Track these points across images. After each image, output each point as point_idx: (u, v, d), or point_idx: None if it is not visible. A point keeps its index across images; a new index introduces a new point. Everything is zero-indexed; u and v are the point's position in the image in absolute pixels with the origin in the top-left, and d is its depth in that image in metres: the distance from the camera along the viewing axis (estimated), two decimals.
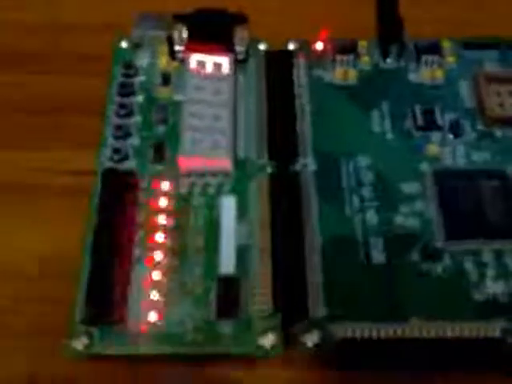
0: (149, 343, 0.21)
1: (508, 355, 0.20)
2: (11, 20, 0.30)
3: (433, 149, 0.25)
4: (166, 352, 0.21)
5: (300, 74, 0.27)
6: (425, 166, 0.25)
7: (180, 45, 0.27)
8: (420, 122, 0.26)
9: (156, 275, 0.22)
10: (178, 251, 0.23)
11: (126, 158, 0.25)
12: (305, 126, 0.26)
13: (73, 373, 0.21)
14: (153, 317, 0.21)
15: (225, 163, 0.24)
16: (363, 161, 0.25)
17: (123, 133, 0.25)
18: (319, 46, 0.28)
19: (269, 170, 0.24)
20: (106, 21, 0.30)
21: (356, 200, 0.24)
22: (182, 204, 0.24)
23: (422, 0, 0.30)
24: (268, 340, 0.21)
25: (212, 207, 0.24)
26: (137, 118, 0.26)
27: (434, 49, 0.28)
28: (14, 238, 0.24)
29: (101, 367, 0.21)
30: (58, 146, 0.26)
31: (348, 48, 0.28)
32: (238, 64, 0.27)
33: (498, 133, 0.26)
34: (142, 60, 0.28)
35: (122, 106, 0.26)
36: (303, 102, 0.26)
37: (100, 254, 0.22)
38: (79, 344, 0.21)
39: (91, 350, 0.21)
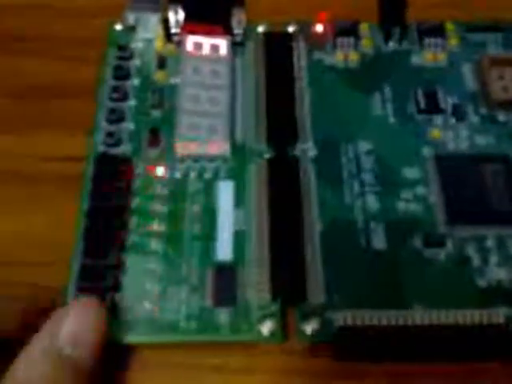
0: (143, 331, 0.20)
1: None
2: (1, 3, 0.30)
3: (435, 133, 0.24)
4: (161, 340, 0.20)
5: (300, 57, 0.26)
6: (427, 151, 0.24)
7: (176, 27, 0.26)
8: (422, 105, 0.25)
9: (151, 263, 0.22)
10: (173, 238, 0.22)
11: (119, 142, 0.24)
12: (304, 111, 0.25)
13: None
14: (147, 305, 0.21)
15: (222, 148, 0.24)
16: (364, 145, 0.24)
17: (117, 117, 0.25)
18: (319, 28, 0.27)
19: (267, 155, 0.24)
20: (99, 3, 0.29)
21: (356, 185, 0.23)
22: (177, 190, 0.23)
23: None
24: (267, 327, 0.20)
25: (209, 192, 0.23)
26: (132, 102, 0.25)
27: (437, 31, 0.27)
28: (5, 223, 0.23)
29: None
30: (50, 130, 0.25)
31: (349, 30, 0.27)
32: (236, 46, 0.27)
33: (502, 116, 0.25)
34: (137, 42, 0.27)
35: (115, 89, 0.25)
36: (303, 85, 0.26)
37: (93, 240, 0.21)
38: None
39: None
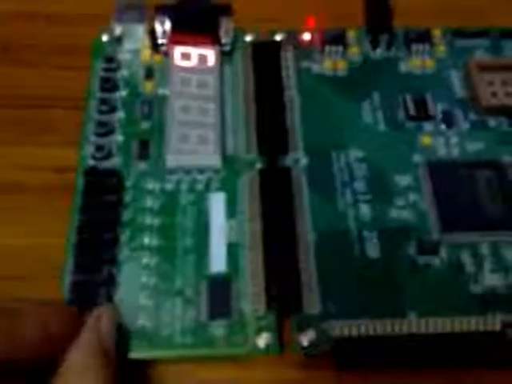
0: (138, 347, 0.20)
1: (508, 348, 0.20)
2: None
3: (426, 139, 0.24)
4: (157, 356, 0.20)
5: (288, 66, 0.26)
6: (418, 157, 0.24)
7: (163, 37, 0.26)
8: (412, 112, 0.25)
9: (144, 276, 0.21)
10: (166, 251, 0.22)
11: (109, 155, 0.24)
12: (294, 120, 0.25)
13: None
14: (142, 320, 0.20)
15: (213, 159, 0.23)
16: (355, 153, 0.24)
17: (106, 129, 0.24)
18: (307, 36, 0.27)
19: (258, 165, 0.23)
20: (84, 11, 0.29)
21: (349, 194, 0.23)
22: (169, 202, 0.23)
23: None
24: (263, 340, 0.20)
25: (200, 204, 0.23)
26: (120, 114, 0.25)
27: (425, 38, 0.27)
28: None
29: None
30: (40, 141, 0.25)
31: (336, 38, 0.27)
32: (224, 56, 0.26)
33: (492, 122, 0.25)
34: (124, 54, 0.27)
35: (104, 101, 0.25)
36: (292, 94, 0.26)
37: (84, 255, 0.21)
38: None
39: None
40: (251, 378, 0.20)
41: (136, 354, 0.20)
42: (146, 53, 0.27)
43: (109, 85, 0.25)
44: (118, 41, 0.27)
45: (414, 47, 0.27)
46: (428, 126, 0.25)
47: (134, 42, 0.27)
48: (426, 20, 0.28)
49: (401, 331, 0.20)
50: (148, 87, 0.26)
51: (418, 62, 0.27)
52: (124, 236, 0.22)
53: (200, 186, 0.23)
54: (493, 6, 0.29)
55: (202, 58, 0.26)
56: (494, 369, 0.20)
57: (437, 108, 0.25)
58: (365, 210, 0.23)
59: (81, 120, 0.25)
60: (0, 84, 0.27)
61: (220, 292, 0.21)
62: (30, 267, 0.22)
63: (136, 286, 0.21)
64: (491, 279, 0.21)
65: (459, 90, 0.26)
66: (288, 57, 0.27)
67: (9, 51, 0.28)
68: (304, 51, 0.27)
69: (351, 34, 0.27)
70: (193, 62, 0.25)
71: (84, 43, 0.27)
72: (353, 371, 0.20)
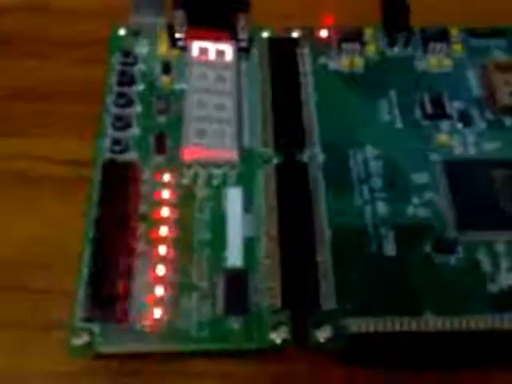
0: (154, 340, 0.20)
1: None
2: (4, 5, 0.29)
3: (442, 138, 0.24)
4: (172, 349, 0.20)
5: (305, 63, 0.26)
6: (435, 156, 0.24)
7: (180, 32, 0.26)
8: (429, 110, 0.25)
9: (160, 270, 0.21)
10: (182, 244, 0.22)
11: (126, 149, 0.24)
12: (311, 116, 0.25)
13: (74, 369, 0.20)
14: (157, 313, 0.20)
15: (230, 154, 0.23)
16: (372, 151, 0.24)
17: (123, 123, 0.24)
18: (324, 33, 0.27)
19: (275, 160, 0.23)
20: (101, 5, 0.29)
21: (366, 191, 0.23)
22: (185, 196, 0.23)
23: None
24: (279, 335, 0.20)
25: (217, 199, 0.23)
26: (137, 108, 0.25)
27: (442, 36, 0.27)
28: (11, 228, 0.23)
29: (103, 364, 0.20)
30: (57, 134, 0.25)
31: (353, 36, 0.27)
32: (241, 52, 0.26)
33: (508, 121, 0.25)
34: (142, 48, 0.27)
35: (121, 95, 0.25)
36: (309, 91, 0.26)
37: (101, 248, 0.21)
38: (80, 341, 0.20)
39: (93, 348, 0.20)
40: (267, 373, 0.20)
41: (152, 347, 0.20)
42: (164, 47, 0.27)
43: (126, 79, 0.25)
44: (135, 35, 0.27)
45: (431, 46, 0.27)
46: (445, 125, 0.25)
47: (151, 37, 0.27)
48: (444, 18, 0.28)
49: (417, 329, 0.20)
50: (165, 81, 0.26)
51: (434, 61, 0.27)
52: (140, 229, 0.22)
53: (217, 181, 0.23)
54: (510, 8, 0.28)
55: (220, 53, 0.26)
56: (509, 368, 0.20)
57: (453, 107, 0.25)
58: (381, 207, 0.23)
59: (97, 113, 0.25)
60: (15, 77, 0.27)
61: (236, 286, 0.21)
62: (47, 257, 0.22)
63: (152, 280, 0.21)
64: (508, 278, 0.21)
65: (476, 89, 0.26)
66: (304, 53, 0.27)
67: (22, 44, 0.28)
68: (321, 48, 0.27)
69: (368, 32, 0.27)
70: (210, 56, 0.25)
71: (101, 36, 0.27)
72: (367, 367, 0.20)
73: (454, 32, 0.27)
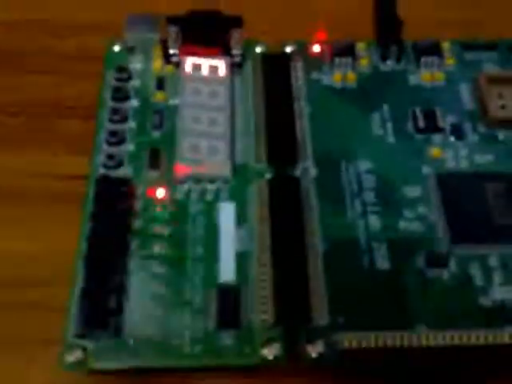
0: (147, 356, 0.20)
1: None
2: (2, 20, 0.30)
3: (435, 151, 0.25)
4: (165, 365, 0.20)
5: (298, 77, 0.26)
6: (427, 169, 0.24)
7: (174, 48, 0.26)
8: (421, 124, 0.25)
9: (153, 285, 0.21)
10: (175, 260, 0.22)
11: (120, 164, 0.24)
12: (304, 130, 0.25)
13: None
14: (151, 329, 0.20)
15: (223, 169, 0.23)
16: (364, 165, 0.24)
17: (117, 139, 0.24)
18: (316, 48, 0.27)
19: (268, 175, 0.24)
20: (96, 21, 0.29)
21: (358, 205, 0.23)
22: (178, 211, 0.23)
23: (421, 0, 0.30)
24: (271, 351, 0.20)
25: (210, 214, 0.23)
26: (131, 124, 0.25)
27: (434, 50, 0.27)
28: (4, 243, 0.23)
29: (97, 380, 0.20)
30: (49, 149, 0.25)
31: (346, 50, 0.27)
32: (234, 67, 0.27)
33: (501, 135, 0.25)
34: (136, 63, 0.27)
35: (115, 111, 0.25)
36: (302, 105, 0.26)
37: (94, 264, 0.21)
38: (72, 358, 0.20)
39: (86, 365, 0.20)
40: None
41: (145, 363, 0.20)
42: (158, 63, 0.27)
43: (120, 94, 0.26)
44: (129, 51, 0.27)
45: (424, 60, 0.27)
46: (437, 139, 0.25)
47: (145, 52, 0.27)
48: (435, 32, 0.28)
49: (409, 344, 0.20)
50: (159, 97, 0.26)
51: (427, 75, 0.27)
52: (134, 245, 0.22)
53: (210, 196, 0.23)
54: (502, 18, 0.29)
55: (213, 69, 0.26)
56: (503, 382, 0.20)
57: (446, 120, 0.25)
58: (374, 221, 0.23)
59: (90, 129, 0.25)
60: (10, 91, 0.27)
61: (229, 301, 0.21)
62: (40, 274, 0.22)
63: (146, 296, 0.21)
64: (500, 292, 0.21)
65: (468, 103, 0.26)
66: (298, 68, 0.27)
67: (19, 59, 0.29)
68: (313, 63, 0.27)
69: (360, 46, 0.28)
70: (204, 72, 0.26)
71: (95, 52, 0.27)
72: (360, 383, 0.20)
73: (446, 45, 0.28)
